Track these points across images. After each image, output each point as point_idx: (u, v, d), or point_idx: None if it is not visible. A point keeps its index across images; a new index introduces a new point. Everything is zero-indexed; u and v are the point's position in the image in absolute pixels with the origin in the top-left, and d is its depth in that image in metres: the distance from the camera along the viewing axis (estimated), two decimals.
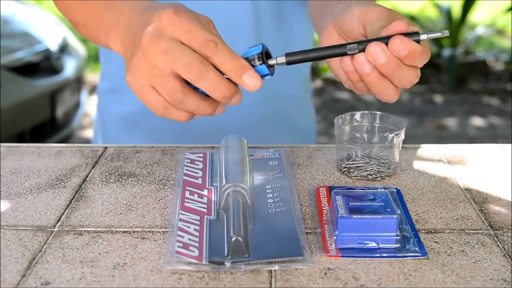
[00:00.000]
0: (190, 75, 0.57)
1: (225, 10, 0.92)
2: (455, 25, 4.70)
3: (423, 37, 0.59)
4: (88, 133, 3.48)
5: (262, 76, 0.60)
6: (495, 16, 5.06)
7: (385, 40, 0.58)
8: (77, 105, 2.98)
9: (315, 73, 4.48)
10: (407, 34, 0.58)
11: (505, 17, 4.98)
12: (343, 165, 0.77)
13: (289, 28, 0.98)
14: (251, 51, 0.60)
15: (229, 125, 0.94)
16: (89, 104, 3.48)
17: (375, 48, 0.58)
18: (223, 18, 0.91)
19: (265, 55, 0.60)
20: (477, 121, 3.86)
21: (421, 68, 0.63)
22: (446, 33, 0.59)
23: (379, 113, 0.79)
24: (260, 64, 0.59)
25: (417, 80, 0.62)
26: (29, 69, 2.65)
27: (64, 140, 2.82)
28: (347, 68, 0.61)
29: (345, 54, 0.60)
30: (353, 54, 0.60)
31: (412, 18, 4.91)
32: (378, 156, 0.76)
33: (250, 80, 0.58)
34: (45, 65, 2.74)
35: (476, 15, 5.32)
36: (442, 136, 3.61)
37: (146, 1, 0.64)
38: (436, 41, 4.71)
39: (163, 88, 0.58)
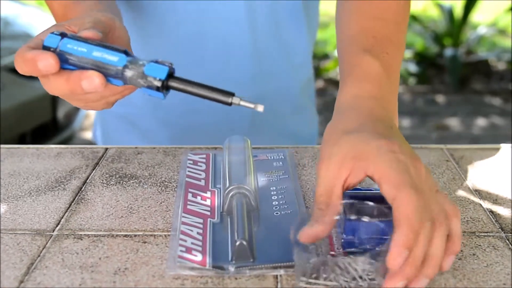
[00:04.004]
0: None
1: (219, 11, 0.89)
2: (457, 25, 4.69)
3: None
4: (90, 134, 3.46)
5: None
6: (497, 16, 5.05)
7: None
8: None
9: (316, 73, 4.45)
10: None
11: (506, 17, 4.96)
12: None
13: (286, 29, 0.95)
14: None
15: (224, 130, 0.92)
16: None
17: None
18: (218, 19, 0.89)
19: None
20: (480, 121, 3.84)
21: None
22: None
23: None
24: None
25: None
26: None
27: (66, 141, 2.80)
28: None
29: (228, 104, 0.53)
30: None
31: (414, 18, 4.89)
32: None
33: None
34: None
35: (478, 15, 5.30)
36: (445, 137, 3.59)
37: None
38: (438, 41, 4.69)
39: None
